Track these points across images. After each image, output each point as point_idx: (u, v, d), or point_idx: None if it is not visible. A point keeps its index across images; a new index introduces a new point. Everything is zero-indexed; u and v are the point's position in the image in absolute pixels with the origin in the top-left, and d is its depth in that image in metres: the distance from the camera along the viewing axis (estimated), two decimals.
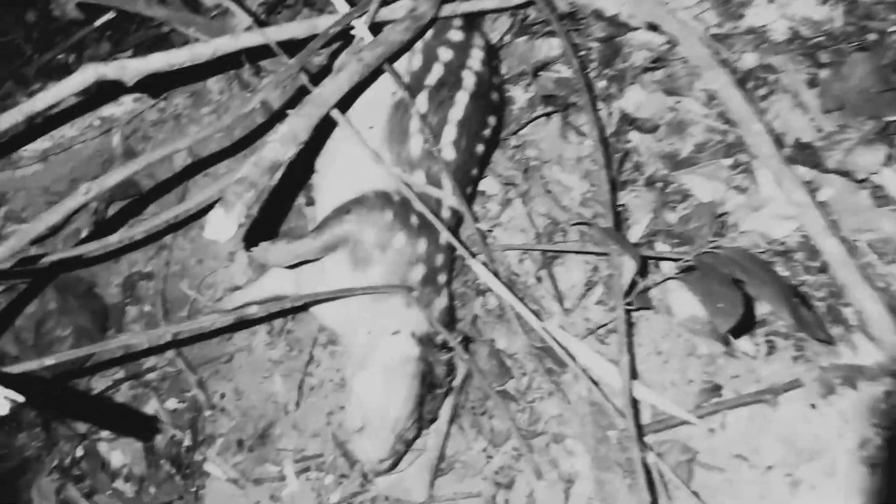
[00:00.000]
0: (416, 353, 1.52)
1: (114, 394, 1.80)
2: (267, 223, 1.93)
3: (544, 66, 2.06)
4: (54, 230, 2.00)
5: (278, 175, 1.37)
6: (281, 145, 1.35)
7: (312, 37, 1.65)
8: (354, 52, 1.61)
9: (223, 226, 1.22)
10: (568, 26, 2.09)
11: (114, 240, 1.58)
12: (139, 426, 1.77)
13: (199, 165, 2.09)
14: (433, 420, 1.56)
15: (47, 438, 1.76)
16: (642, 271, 1.58)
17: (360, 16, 1.70)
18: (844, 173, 1.70)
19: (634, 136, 1.93)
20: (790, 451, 1.47)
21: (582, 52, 2.06)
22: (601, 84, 2.01)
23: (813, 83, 1.84)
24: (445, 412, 1.60)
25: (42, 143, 2.12)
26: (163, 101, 2.18)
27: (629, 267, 1.47)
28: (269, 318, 1.80)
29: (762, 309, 1.61)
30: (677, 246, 1.76)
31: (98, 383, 1.81)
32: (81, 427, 1.76)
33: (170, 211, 1.59)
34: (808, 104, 1.82)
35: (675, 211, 1.81)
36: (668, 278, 1.57)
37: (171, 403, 1.78)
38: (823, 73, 1.84)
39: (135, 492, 1.69)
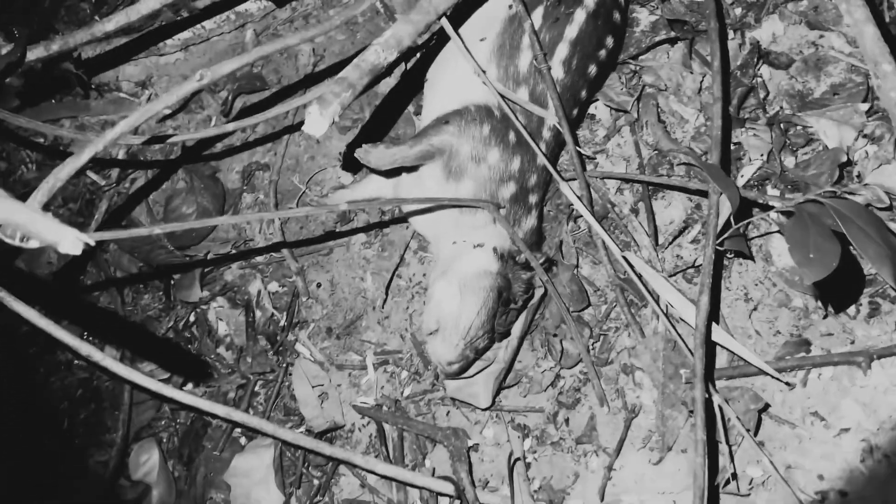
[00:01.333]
0: (496, 268, 1.56)
1: (224, 270, 1.97)
2: (379, 128, 1.99)
3: None
4: (183, 111, 2.18)
5: (389, 80, 1.41)
6: (383, 50, 1.38)
7: None
8: None
9: (319, 122, 1.28)
10: None
11: (230, 127, 1.70)
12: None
13: (324, 67, 2.17)
14: (506, 334, 1.61)
15: (167, 301, 1.98)
16: (742, 214, 1.51)
17: None
18: None
19: (765, 71, 1.80)
20: (872, 419, 1.40)
21: None
22: (738, 11, 1.88)
23: None
24: (519, 328, 1.63)
25: (184, 34, 2.27)
26: (295, 0, 2.25)
27: (726, 206, 1.41)
28: (367, 224, 1.89)
29: (870, 268, 1.51)
30: (790, 192, 1.66)
31: (212, 258, 1.99)
32: (195, 296, 1.95)
33: (283, 104, 1.67)
34: None
35: (794, 154, 1.70)
36: (764, 222, 1.49)
37: (273, 286, 1.93)
38: None
39: (234, 359, 1.88)
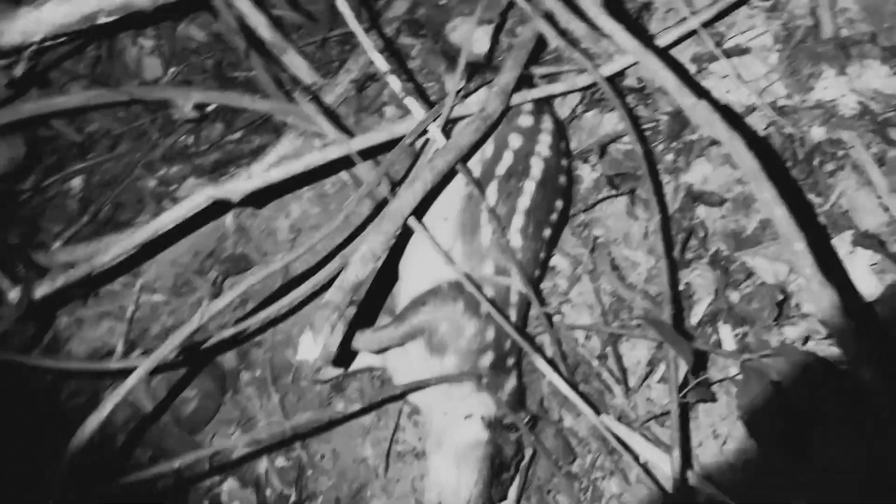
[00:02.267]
0: (486, 436, 1.70)
1: (231, 453, 2.09)
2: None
3: (613, 140, 2.16)
4: (174, 294, 2.33)
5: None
6: (361, 265, 1.56)
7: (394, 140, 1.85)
8: (429, 161, 1.78)
9: (312, 348, 1.44)
10: (636, 100, 2.18)
11: (242, 326, 1.82)
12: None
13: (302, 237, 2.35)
14: (503, 499, 1.74)
15: (178, 485, 2.09)
16: (699, 365, 1.67)
17: (434, 119, 1.87)
18: None
19: (700, 211, 2.00)
20: None
21: (650, 125, 2.14)
22: (668, 157, 2.09)
23: (882, 161, 1.84)
24: (514, 491, 1.76)
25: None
26: None
27: (682, 365, 1.58)
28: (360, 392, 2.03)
29: None
30: (739, 326, 1.83)
31: (217, 442, 2.11)
32: (206, 479, 2.07)
33: (272, 307, 1.82)
34: (877, 183, 1.83)
35: (738, 289, 1.88)
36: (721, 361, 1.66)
37: (280, 461, 2.05)
38: (893, 152, 1.84)
39: None
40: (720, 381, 1.72)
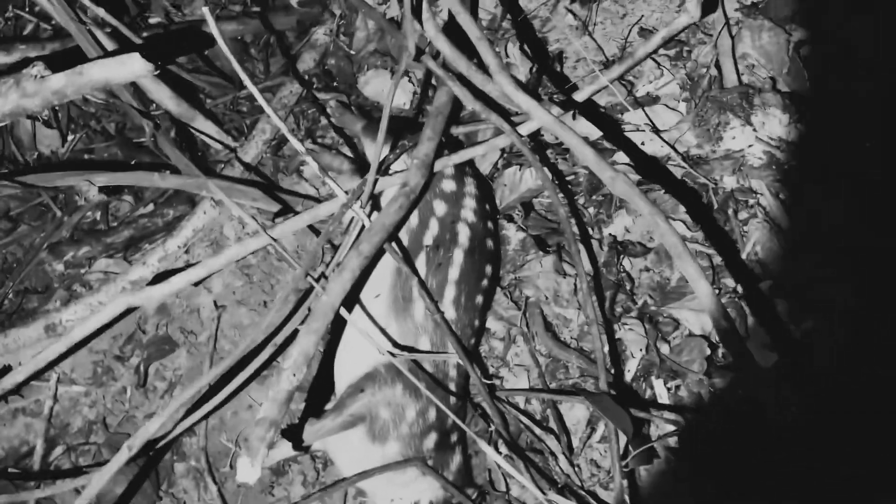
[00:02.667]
0: None
1: None
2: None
3: (535, 195, 2.18)
4: (94, 383, 2.20)
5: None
6: (294, 372, 1.51)
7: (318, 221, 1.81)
8: (354, 247, 1.74)
9: (251, 471, 1.39)
10: (554, 155, 2.20)
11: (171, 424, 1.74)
12: None
13: (227, 317, 2.26)
14: None
15: None
16: (639, 430, 1.71)
17: (356, 199, 1.84)
18: (829, 307, 1.80)
19: (626, 263, 2.04)
20: None
21: (570, 178, 2.17)
22: (590, 210, 2.12)
23: (789, 209, 1.93)
24: None
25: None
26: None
27: (623, 435, 1.61)
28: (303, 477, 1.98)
29: None
30: (672, 379, 1.88)
31: None
32: None
33: (209, 403, 1.74)
34: (787, 232, 1.91)
35: (668, 342, 1.93)
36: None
37: None
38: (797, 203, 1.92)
39: None
40: (660, 438, 1.75)
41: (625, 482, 1.60)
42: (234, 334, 2.23)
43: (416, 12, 1.96)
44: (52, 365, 2.15)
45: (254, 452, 1.39)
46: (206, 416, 2.10)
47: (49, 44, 2.43)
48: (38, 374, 2.10)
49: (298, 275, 1.67)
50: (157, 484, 2.09)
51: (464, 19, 1.82)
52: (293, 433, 1.76)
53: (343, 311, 1.70)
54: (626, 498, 1.58)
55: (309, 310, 1.71)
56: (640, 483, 1.78)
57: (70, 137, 2.59)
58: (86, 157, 2.52)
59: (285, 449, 1.96)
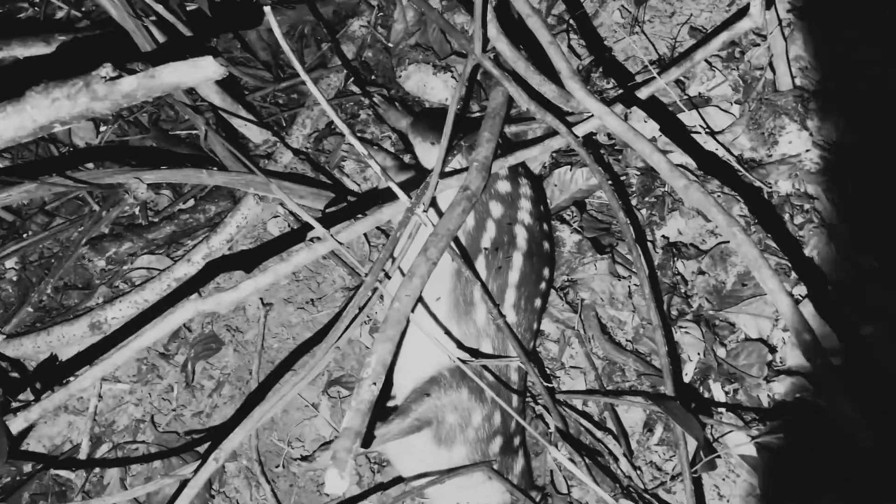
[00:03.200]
0: None
1: None
2: None
3: (586, 195, 2.17)
4: (140, 382, 2.19)
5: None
6: (373, 381, 1.50)
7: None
8: (424, 251, 1.73)
9: (340, 483, 1.39)
10: (606, 155, 2.20)
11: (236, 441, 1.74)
12: None
13: (273, 314, 2.25)
14: None
15: None
16: (708, 440, 1.73)
17: (418, 205, 1.82)
18: (883, 314, 1.82)
19: (679, 266, 2.05)
20: None
21: (622, 178, 2.17)
22: (643, 212, 2.12)
23: (845, 215, 1.94)
24: None
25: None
26: None
27: (690, 440, 1.62)
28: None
29: None
30: (729, 383, 1.90)
31: None
32: None
33: (265, 405, 1.74)
34: (843, 237, 1.92)
35: (724, 345, 1.94)
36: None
37: None
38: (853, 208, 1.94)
39: None
40: (756, 437, 1.77)
41: (692, 487, 1.62)
42: (281, 332, 2.22)
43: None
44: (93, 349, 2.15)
45: (341, 464, 1.39)
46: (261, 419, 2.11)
47: (85, 32, 2.37)
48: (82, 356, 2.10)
49: (369, 283, 1.66)
50: (209, 483, 2.09)
51: (534, 23, 1.80)
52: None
53: (416, 323, 1.70)
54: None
55: (359, 310, 1.71)
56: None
57: (103, 129, 2.55)
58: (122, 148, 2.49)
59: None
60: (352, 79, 2.55)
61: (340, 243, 1.75)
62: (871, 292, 1.83)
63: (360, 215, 1.89)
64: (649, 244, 2.08)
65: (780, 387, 1.85)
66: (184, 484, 1.59)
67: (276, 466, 2.08)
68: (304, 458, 2.04)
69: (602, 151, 2.19)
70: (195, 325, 2.25)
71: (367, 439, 1.78)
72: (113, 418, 2.21)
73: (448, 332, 1.81)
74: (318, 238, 1.77)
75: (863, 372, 1.72)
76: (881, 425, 1.34)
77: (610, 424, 1.91)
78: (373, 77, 2.59)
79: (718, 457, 1.73)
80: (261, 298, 2.25)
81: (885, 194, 1.92)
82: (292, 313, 2.23)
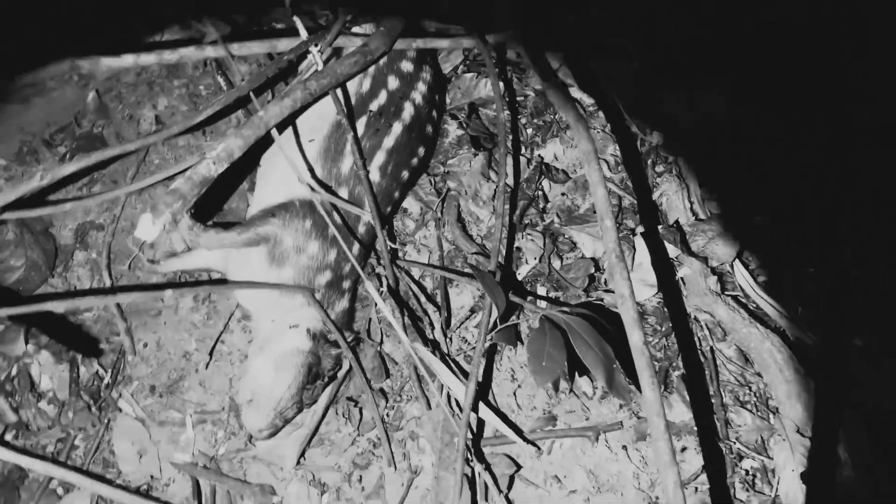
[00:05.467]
0: (308, 346, 1.81)
1: (48, 322, 2.07)
2: (212, 200, 2.18)
3: (483, 104, 2.31)
4: (16, 161, 2.24)
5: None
6: (214, 164, 1.60)
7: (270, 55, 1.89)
8: (303, 81, 1.83)
9: (150, 229, 1.48)
10: (511, 72, 2.33)
11: (67, 206, 1.81)
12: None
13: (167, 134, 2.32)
14: (312, 403, 1.86)
15: None
16: (509, 313, 1.86)
17: (316, 44, 1.93)
18: (703, 258, 1.99)
19: (545, 184, 2.19)
20: (593, 481, 1.80)
21: (519, 98, 2.31)
22: (529, 131, 2.27)
23: (701, 173, 2.11)
24: (325, 398, 1.89)
25: (23, 82, 2.33)
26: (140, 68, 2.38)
27: (494, 309, 1.76)
28: (196, 284, 2.07)
29: None
30: (555, 290, 2.05)
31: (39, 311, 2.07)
32: (19, 349, 2.03)
33: (123, 188, 1.82)
34: (693, 191, 2.09)
35: (561, 259, 2.09)
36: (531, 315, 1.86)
37: (102, 345, 2.05)
38: (709, 166, 2.11)
39: (55, 413, 1.98)
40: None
41: (484, 355, 1.75)
42: (165, 150, 2.29)
43: None
44: None
45: (158, 213, 1.48)
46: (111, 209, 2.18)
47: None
48: None
49: (244, 85, 1.76)
50: (52, 264, 2.14)
51: None
52: (200, 236, 1.84)
53: (274, 133, 1.80)
54: (482, 367, 1.73)
55: (239, 121, 1.80)
56: (499, 365, 1.94)
57: None
58: None
59: (189, 260, 2.04)
60: None
61: (231, 53, 1.84)
62: (695, 237, 2.00)
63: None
64: (525, 160, 2.22)
65: (596, 298, 2.01)
66: None
67: (123, 266, 2.15)
68: (151, 262, 2.12)
69: (508, 68, 2.33)
70: (85, 123, 2.31)
71: (206, 241, 1.87)
72: None
73: (311, 171, 1.92)
74: (214, 42, 1.86)
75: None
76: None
77: (439, 300, 2.04)
78: None
79: (515, 333, 1.87)
80: (156, 116, 2.32)
81: (737, 164, 2.10)
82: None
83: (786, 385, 1.79)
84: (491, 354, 1.95)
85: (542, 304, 2.00)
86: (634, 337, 1.49)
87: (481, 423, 1.87)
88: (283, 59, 1.84)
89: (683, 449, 1.83)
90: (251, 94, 1.79)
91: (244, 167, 2.20)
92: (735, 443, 1.81)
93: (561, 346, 1.59)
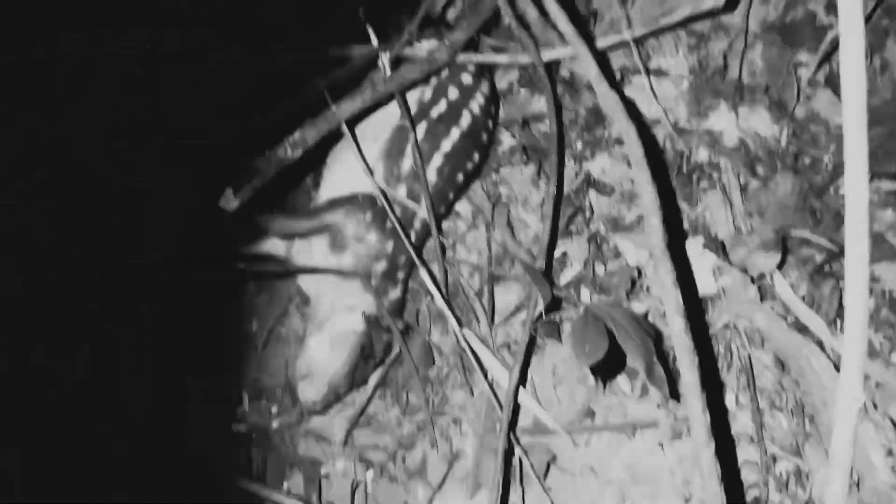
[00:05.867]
0: (362, 329, 1.93)
1: None
2: (279, 193, 2.34)
3: (536, 118, 2.44)
4: None
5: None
6: (291, 149, 1.76)
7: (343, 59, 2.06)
8: (373, 83, 1.99)
9: (231, 201, 1.63)
10: (564, 90, 2.46)
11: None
12: None
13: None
14: (363, 383, 1.97)
15: None
16: (554, 306, 1.96)
17: (385, 50, 2.09)
18: (742, 269, 2.06)
19: (592, 195, 2.30)
20: (629, 474, 1.86)
21: (570, 113, 2.43)
22: (578, 146, 2.38)
23: (744, 188, 2.20)
24: (374, 379, 2.00)
25: None
26: None
27: (540, 300, 1.85)
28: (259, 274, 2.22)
29: None
30: (598, 294, 2.14)
31: None
32: None
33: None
34: (735, 204, 2.17)
35: (605, 265, 2.18)
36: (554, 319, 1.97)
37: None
38: (755, 182, 2.20)
39: None
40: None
41: (528, 344, 1.84)
42: None
43: None
44: None
45: (237, 187, 1.63)
46: None
47: None
48: None
49: (320, 83, 1.92)
50: None
51: None
52: (269, 222, 1.99)
53: (344, 128, 1.95)
54: (523, 356, 1.82)
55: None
56: (541, 359, 2.03)
57: None
58: None
59: (257, 246, 2.19)
60: None
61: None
62: (737, 249, 2.08)
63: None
64: (572, 171, 2.33)
65: (638, 307, 2.08)
66: None
67: None
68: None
69: (561, 86, 2.46)
70: None
71: (276, 226, 2.02)
72: None
73: (372, 171, 2.06)
74: None
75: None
76: None
77: (485, 297, 2.14)
78: None
79: (558, 328, 1.96)
80: None
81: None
82: None
83: (822, 392, 1.84)
84: (531, 341, 2.04)
85: (585, 299, 2.09)
86: (676, 324, 1.56)
87: (516, 413, 1.95)
88: (355, 64, 2.00)
89: None
90: (325, 92, 1.95)
91: (308, 166, 2.36)
92: (770, 444, 1.85)
93: (603, 335, 1.68)
